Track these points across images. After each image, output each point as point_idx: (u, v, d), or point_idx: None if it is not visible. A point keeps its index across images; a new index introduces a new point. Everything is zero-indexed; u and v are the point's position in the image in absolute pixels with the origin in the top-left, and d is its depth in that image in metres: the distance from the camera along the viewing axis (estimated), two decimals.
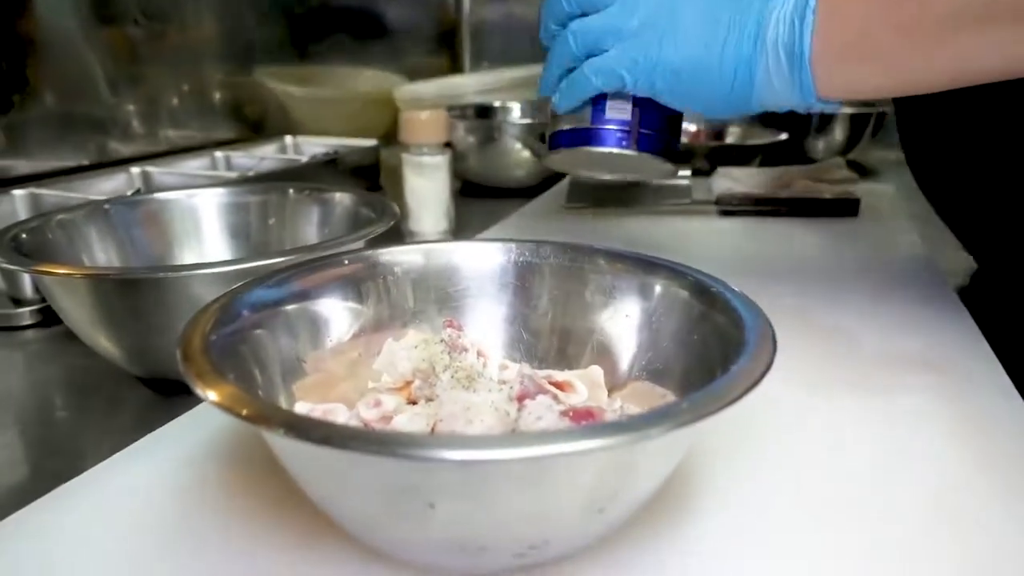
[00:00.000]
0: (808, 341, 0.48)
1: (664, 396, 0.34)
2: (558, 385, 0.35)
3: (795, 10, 0.39)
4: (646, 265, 0.37)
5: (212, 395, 0.23)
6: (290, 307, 0.35)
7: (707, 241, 0.75)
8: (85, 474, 0.36)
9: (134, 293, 0.41)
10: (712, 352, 0.31)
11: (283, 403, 0.32)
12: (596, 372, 0.36)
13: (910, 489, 0.33)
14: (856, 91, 0.41)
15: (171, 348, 0.44)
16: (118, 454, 0.37)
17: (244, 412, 0.22)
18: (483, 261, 0.40)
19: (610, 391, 0.37)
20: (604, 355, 0.37)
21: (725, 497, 0.33)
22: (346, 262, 0.38)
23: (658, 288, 0.36)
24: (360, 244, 0.47)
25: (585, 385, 0.36)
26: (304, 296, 0.36)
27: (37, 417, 0.46)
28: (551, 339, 0.39)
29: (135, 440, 0.38)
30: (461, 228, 0.86)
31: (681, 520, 0.31)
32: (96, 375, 0.50)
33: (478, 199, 1.00)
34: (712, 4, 0.42)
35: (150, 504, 0.33)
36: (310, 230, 0.59)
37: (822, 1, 0.38)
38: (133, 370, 0.48)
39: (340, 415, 0.32)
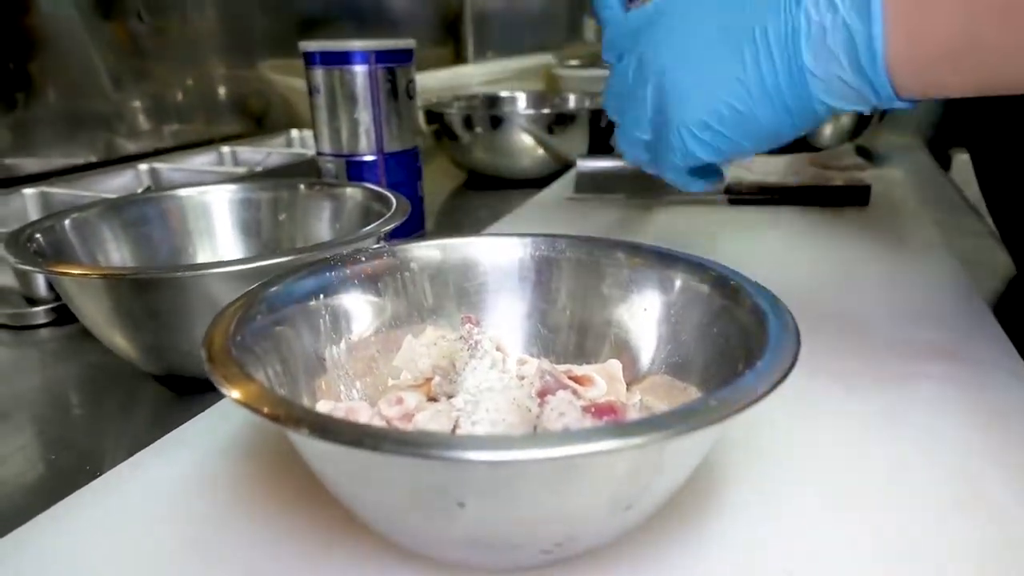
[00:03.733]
0: (821, 330, 0.48)
1: (685, 390, 0.34)
2: (577, 380, 0.35)
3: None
4: (665, 258, 0.37)
5: (237, 394, 0.23)
6: (308, 305, 0.35)
7: (717, 231, 0.74)
8: (107, 474, 0.36)
9: (150, 292, 0.42)
10: (733, 346, 0.31)
11: (305, 401, 0.33)
12: (615, 366, 0.36)
13: (930, 481, 0.33)
14: (942, 90, 0.35)
15: (187, 346, 0.45)
16: (139, 454, 0.37)
17: (271, 412, 0.22)
18: (500, 256, 0.40)
19: (629, 385, 0.37)
20: (623, 349, 0.37)
21: (745, 488, 0.33)
22: (363, 259, 0.38)
23: (677, 281, 0.36)
24: (373, 240, 0.47)
25: (604, 379, 0.36)
26: (322, 294, 0.36)
27: (54, 416, 0.46)
28: (569, 333, 0.39)
29: (152, 438, 0.38)
30: (469, 221, 0.86)
31: (703, 512, 0.31)
32: (111, 373, 0.50)
33: (484, 191, 1.00)
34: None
35: (174, 503, 0.33)
36: (321, 226, 0.59)
37: None
38: (149, 368, 0.48)
39: (363, 413, 0.32)
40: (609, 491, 0.23)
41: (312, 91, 0.68)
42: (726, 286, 0.33)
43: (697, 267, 0.35)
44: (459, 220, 0.88)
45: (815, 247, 0.67)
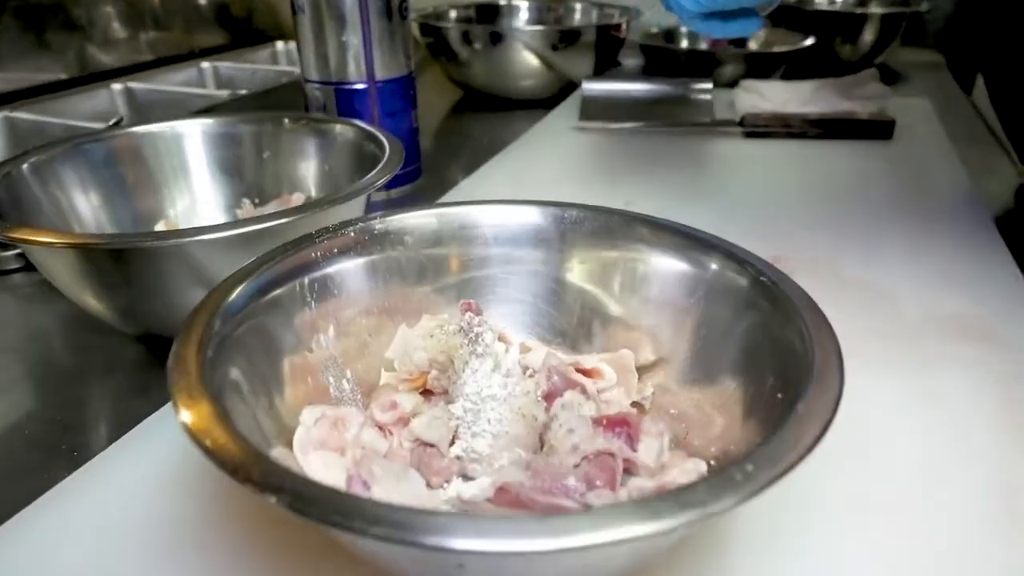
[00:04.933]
0: (842, 303, 0.45)
1: (702, 389, 0.31)
2: (586, 373, 0.33)
3: None
4: (692, 241, 0.33)
5: (208, 444, 0.20)
6: (291, 290, 0.32)
7: (730, 167, 0.70)
8: (90, 463, 0.34)
9: (125, 261, 0.38)
10: (760, 352, 0.28)
11: (288, 398, 0.30)
12: (627, 356, 0.33)
13: (960, 484, 0.31)
14: None
15: (164, 311, 0.42)
16: (120, 441, 0.35)
17: (244, 476, 0.19)
18: (503, 228, 0.36)
19: (642, 375, 0.34)
20: (636, 337, 0.34)
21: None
22: (352, 233, 0.34)
23: (703, 268, 0.32)
24: (367, 195, 0.43)
25: (615, 370, 0.33)
26: (306, 276, 0.32)
27: (31, 372, 0.44)
28: (578, 316, 0.36)
29: (134, 404, 0.36)
30: (467, 153, 0.81)
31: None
32: (88, 325, 0.47)
33: (483, 112, 0.94)
34: None
35: (159, 487, 0.31)
36: (308, 167, 0.55)
37: None
38: (125, 329, 0.45)
39: (353, 421, 0.29)
40: (621, 560, 0.21)
41: (295, 10, 0.62)
42: (758, 282, 0.29)
43: (728, 255, 0.31)
44: (456, 151, 0.83)
45: (835, 191, 0.63)
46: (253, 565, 0.28)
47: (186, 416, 0.21)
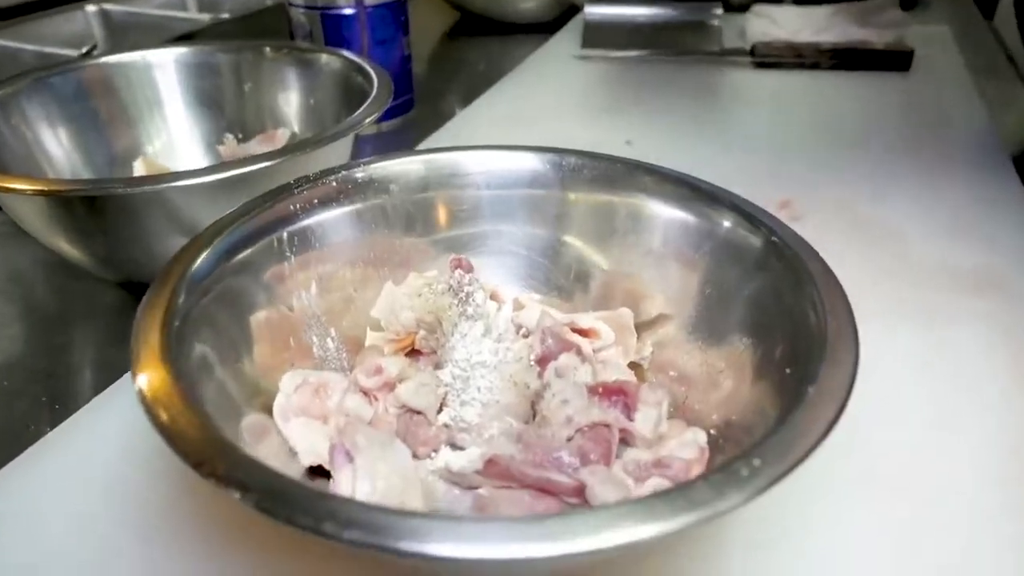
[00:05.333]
0: (853, 247, 0.43)
1: (704, 351, 0.30)
2: (582, 332, 0.31)
3: None
4: (700, 194, 0.31)
5: (181, 446, 0.19)
6: (269, 244, 0.30)
7: (739, 100, 0.67)
8: (74, 416, 0.33)
9: (99, 208, 0.36)
10: (770, 317, 0.26)
11: (267, 359, 0.28)
12: (625, 315, 0.32)
13: (967, 446, 0.30)
14: None
15: (144, 258, 0.40)
16: (103, 394, 0.34)
17: (209, 470, 0.17)
18: (496, 176, 0.34)
19: (640, 333, 0.32)
20: (637, 292, 0.32)
21: None
22: (334, 182, 0.32)
23: (712, 224, 0.30)
24: (354, 133, 0.41)
25: (612, 329, 0.32)
26: (285, 229, 0.30)
27: (9, 319, 0.42)
28: (575, 270, 0.34)
29: (115, 347, 0.35)
30: (458, 77, 0.77)
31: None
32: (66, 268, 0.45)
33: (479, 37, 0.89)
34: None
35: (144, 440, 0.30)
36: (292, 100, 0.52)
37: None
38: (103, 276, 0.43)
39: (336, 387, 0.28)
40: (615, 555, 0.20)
41: None
42: (769, 242, 0.27)
43: (739, 212, 0.29)
44: (451, 79, 0.79)
45: (849, 125, 0.60)
46: (241, 516, 0.27)
47: (153, 404, 0.19)
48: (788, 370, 0.23)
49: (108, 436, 0.31)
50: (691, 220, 0.31)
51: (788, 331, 0.25)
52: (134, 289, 0.44)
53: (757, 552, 0.26)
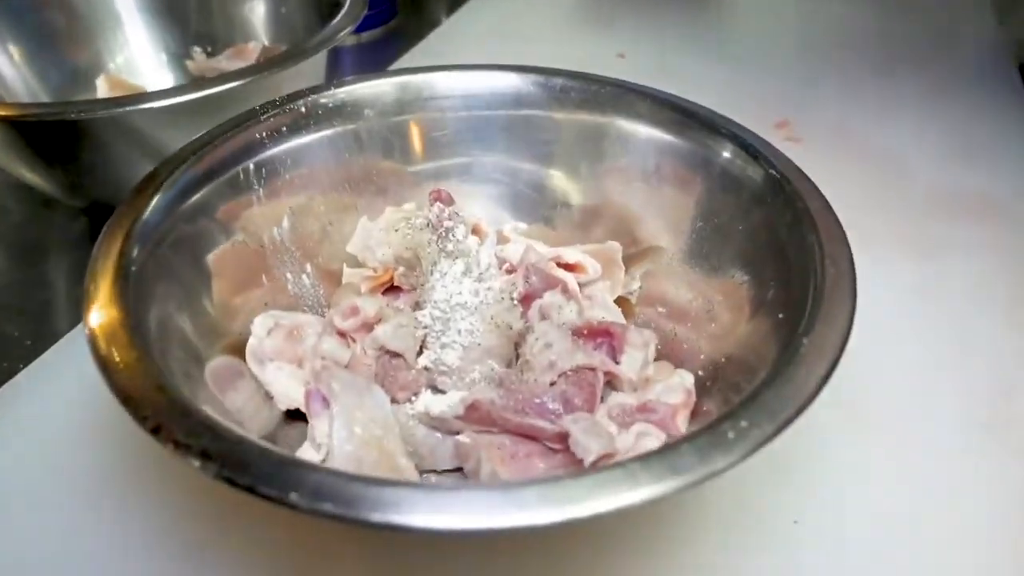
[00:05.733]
0: (851, 167, 0.41)
1: (692, 285, 0.28)
2: (568, 267, 0.30)
3: None
4: (696, 121, 0.29)
5: (126, 403, 0.17)
6: (235, 177, 0.28)
7: (737, 12, 0.63)
8: (44, 355, 0.32)
9: (58, 134, 0.34)
10: (764, 254, 0.25)
11: (237, 300, 0.27)
12: (613, 248, 0.30)
13: (955, 387, 0.30)
14: None
15: (110, 183, 0.38)
16: (72, 333, 0.33)
17: (161, 433, 0.17)
18: (478, 99, 0.32)
19: (629, 267, 0.31)
20: (626, 224, 0.31)
21: None
22: (303, 107, 0.30)
23: (709, 152, 0.28)
24: (329, 45, 0.38)
25: (600, 262, 0.30)
26: (251, 160, 0.28)
27: None
28: (561, 199, 0.32)
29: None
30: None
31: None
32: (31, 193, 0.43)
33: None
34: None
35: None
36: (259, 9, 0.48)
37: None
38: (69, 203, 0.41)
39: (310, 329, 0.26)
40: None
41: None
42: (780, 187, 0.25)
43: (738, 142, 0.27)
44: None
45: (849, 37, 0.57)
46: None
47: (109, 368, 0.18)
48: (781, 315, 0.22)
49: (83, 374, 0.30)
50: (686, 147, 0.29)
51: (784, 273, 0.23)
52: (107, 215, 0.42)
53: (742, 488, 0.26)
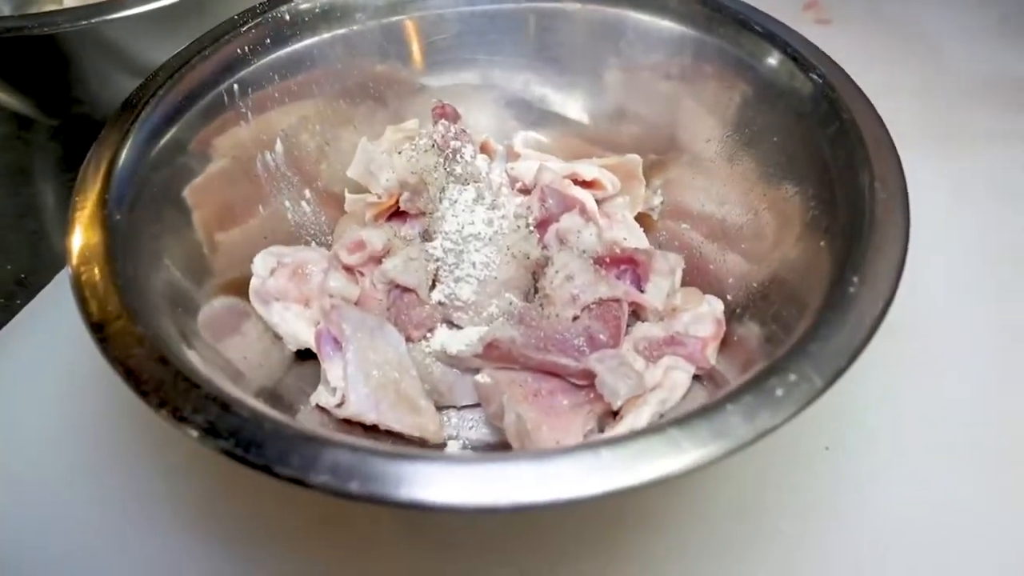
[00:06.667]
0: (879, 46, 0.38)
1: (715, 194, 0.26)
2: (585, 184, 0.28)
3: None
4: (722, 14, 0.26)
5: (122, 372, 0.16)
6: (218, 100, 0.25)
7: None
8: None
9: (22, 50, 0.31)
10: (802, 168, 0.23)
11: (233, 235, 0.25)
12: (633, 161, 0.28)
13: (1001, 294, 0.28)
14: None
15: (85, 99, 0.35)
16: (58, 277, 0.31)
17: (172, 409, 0.15)
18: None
19: (649, 179, 0.29)
20: (647, 131, 0.29)
21: None
22: (287, 15, 0.27)
23: (736, 53, 0.25)
24: None
25: (619, 177, 0.28)
26: (234, 78, 0.26)
27: None
28: (580, 102, 0.30)
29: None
30: None
31: None
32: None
33: None
34: None
35: None
36: None
37: None
38: (44, 121, 0.39)
39: (315, 266, 0.25)
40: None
41: None
42: (831, 103, 0.22)
43: (797, 58, 0.24)
44: None
45: None
46: None
47: (105, 337, 0.17)
48: (822, 242, 0.20)
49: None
50: (714, 45, 0.26)
51: (827, 191, 0.21)
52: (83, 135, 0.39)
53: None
